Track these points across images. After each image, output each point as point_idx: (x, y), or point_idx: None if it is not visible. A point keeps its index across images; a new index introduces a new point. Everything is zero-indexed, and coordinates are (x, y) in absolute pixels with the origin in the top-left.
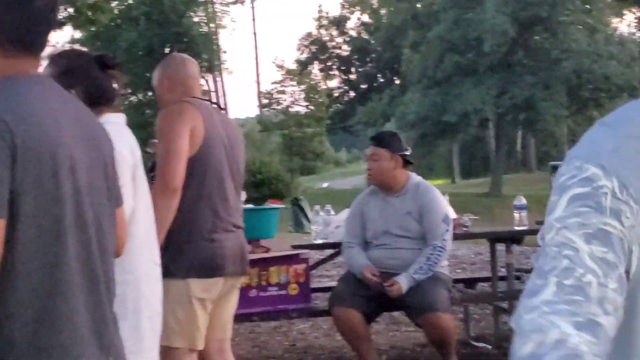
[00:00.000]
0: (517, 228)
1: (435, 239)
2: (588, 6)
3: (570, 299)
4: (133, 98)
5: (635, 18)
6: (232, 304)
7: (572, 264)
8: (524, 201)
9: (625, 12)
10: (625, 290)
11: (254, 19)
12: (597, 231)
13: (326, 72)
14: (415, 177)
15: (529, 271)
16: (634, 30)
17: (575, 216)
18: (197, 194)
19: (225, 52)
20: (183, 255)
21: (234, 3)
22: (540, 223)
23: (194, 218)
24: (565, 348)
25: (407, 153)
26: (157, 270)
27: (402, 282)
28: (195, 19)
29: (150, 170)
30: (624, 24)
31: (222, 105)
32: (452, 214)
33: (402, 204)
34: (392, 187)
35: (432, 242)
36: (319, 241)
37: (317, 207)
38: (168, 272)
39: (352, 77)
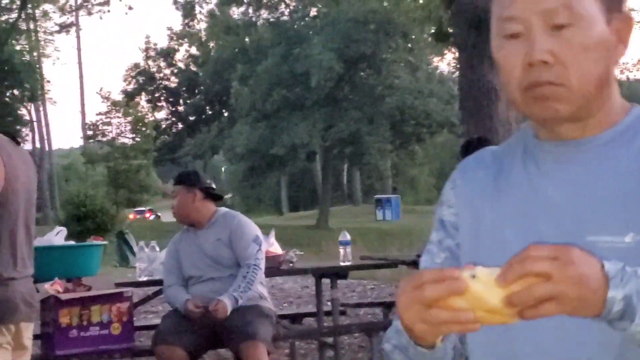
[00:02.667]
0: (342, 264)
1: (248, 259)
2: (410, 45)
3: None
4: None
5: (454, 58)
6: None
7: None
8: (348, 237)
9: (445, 51)
10: (458, 255)
11: (79, 49)
12: (438, 221)
13: (154, 104)
14: (222, 209)
15: (354, 305)
16: (454, 70)
17: (435, 213)
18: None
19: (48, 81)
20: None
21: (59, 32)
22: (365, 258)
23: None
24: None
25: (210, 186)
26: None
27: (225, 301)
28: (18, 47)
29: None
30: (444, 62)
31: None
32: (278, 249)
33: (212, 234)
34: (199, 221)
35: (246, 262)
36: (144, 278)
37: (142, 243)
38: None
39: (181, 109)
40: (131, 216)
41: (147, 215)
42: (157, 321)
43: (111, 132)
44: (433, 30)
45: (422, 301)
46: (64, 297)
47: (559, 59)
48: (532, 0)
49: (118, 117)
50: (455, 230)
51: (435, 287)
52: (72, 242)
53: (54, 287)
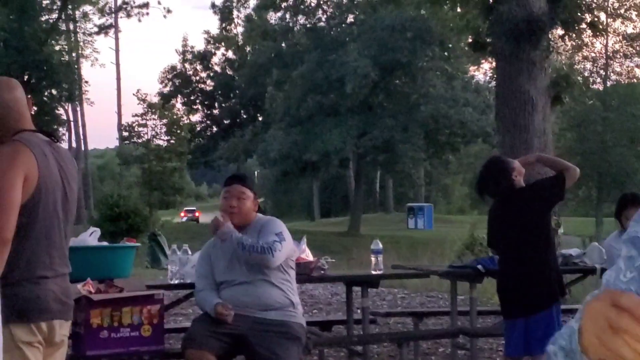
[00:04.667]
0: (373, 272)
1: (266, 243)
2: (446, 53)
3: None
4: None
5: (491, 68)
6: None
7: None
8: (380, 246)
9: (482, 61)
10: None
11: (117, 50)
12: (632, 237)
13: (189, 107)
14: (260, 215)
15: (384, 314)
16: (490, 79)
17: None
18: (23, 238)
19: (86, 82)
20: (4, 299)
21: (98, 33)
22: (397, 267)
23: (17, 262)
24: None
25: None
26: None
27: (231, 226)
28: (57, 48)
29: None
30: (480, 72)
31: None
32: (310, 256)
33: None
34: (246, 225)
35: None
36: (175, 281)
37: (174, 246)
38: None
39: (216, 112)
40: (182, 214)
41: (197, 215)
42: (188, 324)
43: (146, 133)
44: (470, 40)
45: (611, 323)
46: (96, 297)
47: None
48: None
49: (153, 119)
50: None
51: (629, 321)
52: (105, 243)
53: (85, 287)
